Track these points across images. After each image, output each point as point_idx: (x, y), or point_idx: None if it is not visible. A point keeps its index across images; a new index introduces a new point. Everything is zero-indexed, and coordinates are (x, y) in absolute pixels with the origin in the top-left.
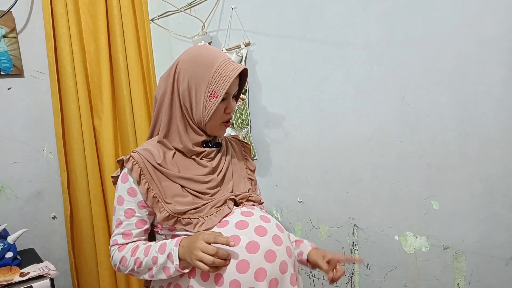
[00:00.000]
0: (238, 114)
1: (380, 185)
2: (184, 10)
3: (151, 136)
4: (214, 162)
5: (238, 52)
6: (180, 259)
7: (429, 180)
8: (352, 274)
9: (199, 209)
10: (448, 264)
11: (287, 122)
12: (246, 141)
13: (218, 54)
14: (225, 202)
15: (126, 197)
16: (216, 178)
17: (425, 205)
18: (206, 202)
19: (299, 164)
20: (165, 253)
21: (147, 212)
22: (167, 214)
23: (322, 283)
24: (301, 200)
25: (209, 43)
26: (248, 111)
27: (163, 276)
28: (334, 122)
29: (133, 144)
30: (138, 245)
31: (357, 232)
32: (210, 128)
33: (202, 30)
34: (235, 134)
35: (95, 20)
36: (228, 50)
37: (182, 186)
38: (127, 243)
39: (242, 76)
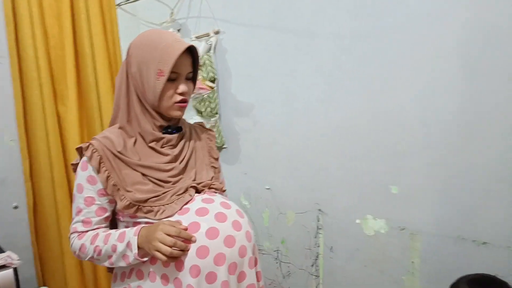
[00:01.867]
0: (207, 102)
1: (345, 172)
2: None
3: (112, 123)
4: (176, 150)
5: (208, 40)
6: (139, 248)
7: (391, 167)
8: (317, 257)
9: (160, 197)
10: (405, 244)
11: (257, 111)
12: (211, 129)
13: (168, 35)
14: (186, 189)
15: (86, 185)
16: (178, 166)
17: (385, 190)
18: (167, 190)
19: (267, 152)
20: (124, 241)
21: (107, 200)
22: (128, 202)
23: (288, 266)
24: (269, 188)
25: (178, 31)
26: (217, 100)
27: (122, 263)
28: (303, 111)
29: (100, 131)
30: (98, 233)
31: (321, 217)
32: (165, 109)
33: (170, 17)
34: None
35: (58, 3)
36: (197, 38)
37: (143, 174)
38: (87, 231)
39: (195, 57)
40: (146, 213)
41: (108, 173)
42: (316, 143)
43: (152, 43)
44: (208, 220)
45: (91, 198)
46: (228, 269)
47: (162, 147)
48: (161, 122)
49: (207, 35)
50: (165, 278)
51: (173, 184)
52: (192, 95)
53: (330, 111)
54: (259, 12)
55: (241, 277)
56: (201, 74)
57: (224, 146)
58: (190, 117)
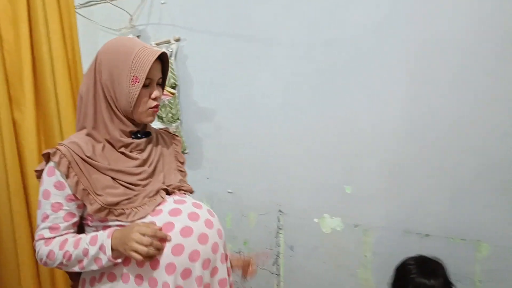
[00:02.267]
0: (168, 108)
1: (304, 174)
2: (111, 0)
3: (79, 130)
4: (145, 154)
5: (168, 47)
6: (112, 250)
7: (345, 169)
8: (278, 256)
9: (131, 199)
10: (358, 239)
11: (219, 116)
12: (177, 134)
13: (137, 42)
14: (157, 192)
15: (53, 191)
16: (147, 170)
17: (340, 190)
18: (138, 192)
19: (230, 156)
20: (96, 244)
21: (76, 205)
22: (99, 206)
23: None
24: (231, 191)
25: (138, 37)
26: (178, 106)
27: (94, 267)
28: (264, 116)
29: (59, 138)
30: (66, 238)
31: (282, 217)
32: (138, 115)
33: (130, 23)
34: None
35: (14, 7)
36: (157, 44)
37: (113, 178)
38: (54, 237)
39: (164, 63)
40: (117, 216)
41: (78, 178)
42: (276, 147)
43: (124, 49)
44: (181, 219)
45: (58, 204)
46: (202, 264)
47: (131, 151)
48: (131, 127)
49: (168, 41)
50: (139, 277)
51: (143, 187)
52: None
53: (289, 116)
54: (219, 20)
55: (214, 272)
56: None
57: (185, 152)
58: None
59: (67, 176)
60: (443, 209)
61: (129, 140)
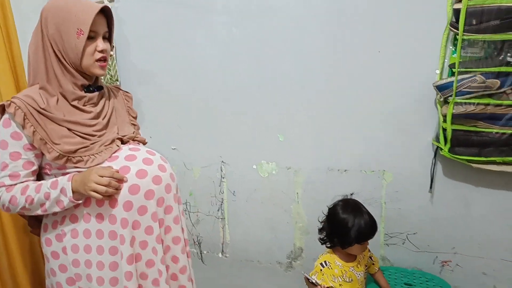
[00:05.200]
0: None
1: (242, 128)
2: None
3: (31, 85)
4: (98, 108)
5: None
6: (73, 192)
7: (278, 120)
8: (222, 202)
9: (88, 147)
10: (291, 180)
11: (159, 78)
12: (128, 91)
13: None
14: (112, 141)
15: (10, 141)
16: (102, 122)
17: (275, 139)
18: (94, 141)
19: (172, 116)
20: (57, 188)
21: (34, 154)
22: (57, 154)
23: (197, 215)
24: (175, 148)
25: None
26: (116, 67)
27: (56, 209)
28: (203, 77)
29: None
30: (27, 184)
31: (224, 167)
32: (86, 67)
33: None
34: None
35: None
36: None
37: (68, 129)
38: (15, 184)
39: (109, 18)
40: (76, 163)
41: (34, 128)
42: (216, 105)
43: (68, 5)
44: (136, 164)
45: (16, 153)
46: (156, 202)
47: (84, 105)
48: (82, 81)
49: (101, 2)
50: (99, 217)
51: (98, 137)
52: None
53: (226, 76)
54: None
55: (167, 210)
56: None
57: None
58: None
59: (23, 127)
60: (356, 149)
61: (82, 93)
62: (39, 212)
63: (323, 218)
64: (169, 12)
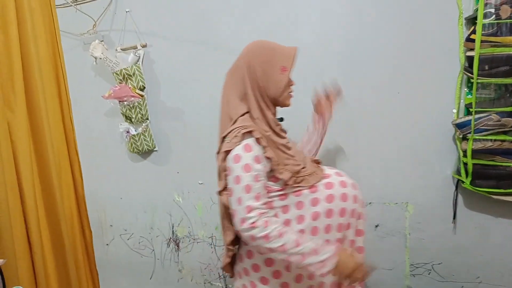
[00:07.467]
0: (137, 109)
1: None
2: (75, 5)
3: (239, 117)
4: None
5: (136, 52)
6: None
7: None
8: None
9: (306, 168)
10: None
11: (185, 115)
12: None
13: (271, 42)
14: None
15: (253, 164)
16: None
17: None
18: (300, 162)
19: (198, 151)
20: (319, 257)
21: (266, 179)
22: (290, 174)
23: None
24: (202, 182)
25: (101, 42)
26: (147, 107)
27: (308, 267)
28: None
29: (49, 137)
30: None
31: None
32: (283, 99)
33: (93, 28)
34: (135, 128)
35: (3, 10)
36: (123, 50)
37: (282, 151)
38: (264, 212)
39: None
40: (299, 182)
41: (271, 152)
42: None
43: (270, 46)
44: (335, 177)
45: (258, 175)
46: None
47: (280, 131)
48: (274, 111)
49: (135, 47)
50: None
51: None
52: (125, 102)
53: None
54: (183, 27)
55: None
56: (131, 84)
57: (155, 149)
58: (118, 123)
59: (264, 151)
60: (379, 182)
61: (277, 121)
62: (294, 259)
63: None
64: (193, 51)
